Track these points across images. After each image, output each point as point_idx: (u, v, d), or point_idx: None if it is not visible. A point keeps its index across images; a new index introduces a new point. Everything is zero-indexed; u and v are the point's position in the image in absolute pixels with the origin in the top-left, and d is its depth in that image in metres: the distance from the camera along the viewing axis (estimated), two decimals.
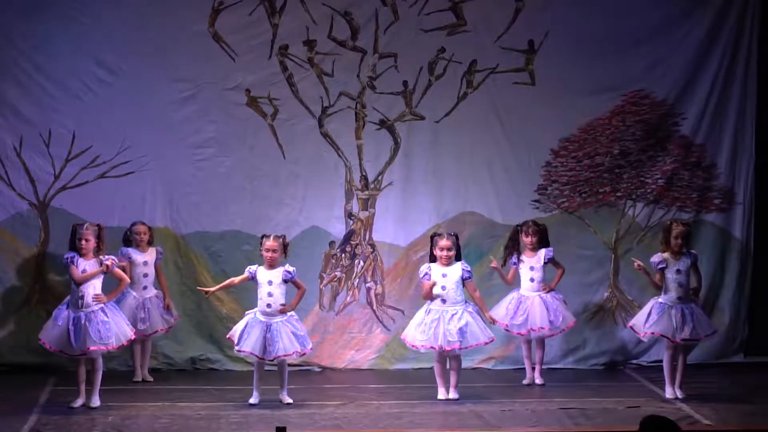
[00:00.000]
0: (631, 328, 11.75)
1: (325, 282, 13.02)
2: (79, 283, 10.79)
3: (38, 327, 12.29)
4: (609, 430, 10.26)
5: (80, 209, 12.59)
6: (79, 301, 10.79)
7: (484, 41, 13.01)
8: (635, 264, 11.57)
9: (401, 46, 12.95)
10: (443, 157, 13.07)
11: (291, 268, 11.17)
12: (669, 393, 11.45)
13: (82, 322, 10.71)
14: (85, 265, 10.85)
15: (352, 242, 13.02)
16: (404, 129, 13.05)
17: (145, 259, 12.09)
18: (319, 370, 12.83)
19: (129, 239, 12.16)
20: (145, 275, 12.07)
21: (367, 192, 13.04)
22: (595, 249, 13.16)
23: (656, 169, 13.22)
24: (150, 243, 12.19)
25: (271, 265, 11.14)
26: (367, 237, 13.04)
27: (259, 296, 11.12)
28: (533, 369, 12.14)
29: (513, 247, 12.18)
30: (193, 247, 12.83)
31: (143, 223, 12.24)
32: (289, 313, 11.10)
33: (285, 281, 11.12)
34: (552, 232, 12.31)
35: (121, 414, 10.64)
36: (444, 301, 11.17)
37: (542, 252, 12.08)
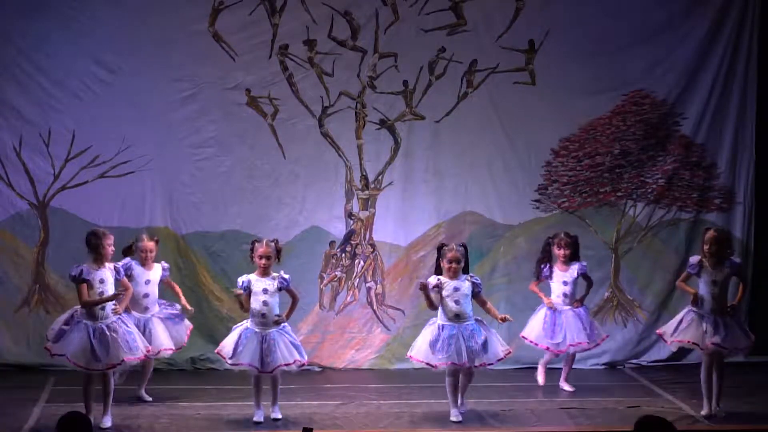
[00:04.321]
0: (660, 335, 11.16)
1: (325, 282, 13.01)
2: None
3: (38, 327, 12.36)
4: (609, 430, 10.27)
5: (80, 209, 12.61)
6: (100, 312, 10.26)
7: (484, 41, 13.01)
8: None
9: (401, 45, 12.94)
10: (443, 157, 13.07)
11: (286, 275, 10.63)
12: (705, 410, 10.75)
13: (108, 333, 10.19)
14: (101, 274, 10.34)
15: (352, 242, 13.02)
16: (404, 129, 13.05)
17: (148, 277, 11.19)
18: (319, 369, 12.82)
19: (132, 251, 11.15)
20: (146, 295, 11.14)
21: (367, 192, 13.03)
22: (595, 249, 13.14)
23: (657, 168, 13.22)
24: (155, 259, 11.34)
25: (265, 273, 10.64)
26: (367, 237, 13.04)
27: (252, 306, 10.57)
28: (545, 373, 11.83)
29: (545, 260, 11.72)
30: (193, 247, 12.82)
31: (151, 238, 11.33)
32: (282, 324, 10.62)
33: (280, 289, 10.64)
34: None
35: (122, 414, 10.63)
36: (458, 316, 10.57)
37: (575, 266, 11.66)
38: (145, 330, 10.94)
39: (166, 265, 11.38)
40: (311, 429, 7.61)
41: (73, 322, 10.28)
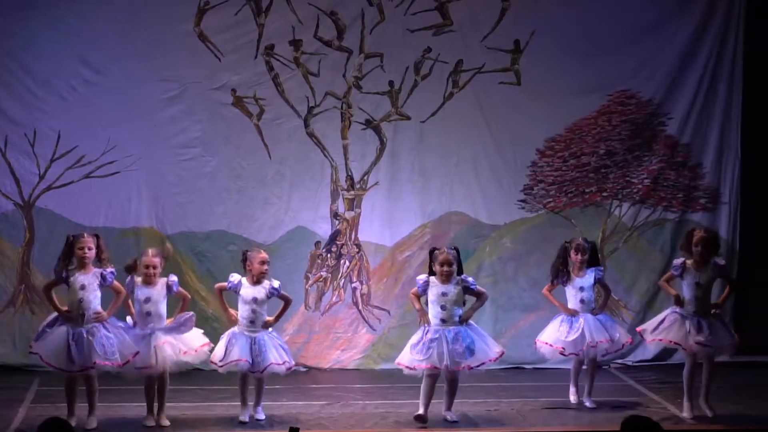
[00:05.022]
0: (639, 333, 11.02)
1: (310, 282, 13.01)
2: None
3: (23, 327, 12.35)
4: (595, 430, 10.28)
5: (65, 209, 12.59)
6: (80, 318, 10.15)
7: (470, 41, 13.02)
8: None
9: (387, 45, 12.95)
10: (429, 157, 13.07)
11: (277, 284, 10.52)
12: (686, 411, 10.66)
13: (85, 336, 10.06)
14: (84, 279, 10.21)
15: (337, 242, 13.02)
16: (390, 129, 13.05)
17: (148, 295, 10.34)
18: (305, 370, 12.82)
19: (136, 267, 10.42)
20: (147, 313, 10.34)
21: (352, 192, 13.03)
22: None
23: (642, 168, 13.24)
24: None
25: (259, 281, 10.51)
26: (352, 237, 13.04)
27: (241, 313, 10.49)
28: (577, 389, 11.28)
29: (561, 265, 11.12)
30: (178, 247, 12.75)
31: (157, 254, 10.44)
32: (269, 329, 10.56)
33: (269, 297, 10.50)
34: (538, 232, 12.31)
35: (108, 414, 10.60)
36: (444, 321, 10.41)
37: (591, 272, 11.11)
38: (149, 346, 10.25)
39: (173, 278, 10.48)
40: (297, 429, 7.58)
41: (56, 324, 10.25)
